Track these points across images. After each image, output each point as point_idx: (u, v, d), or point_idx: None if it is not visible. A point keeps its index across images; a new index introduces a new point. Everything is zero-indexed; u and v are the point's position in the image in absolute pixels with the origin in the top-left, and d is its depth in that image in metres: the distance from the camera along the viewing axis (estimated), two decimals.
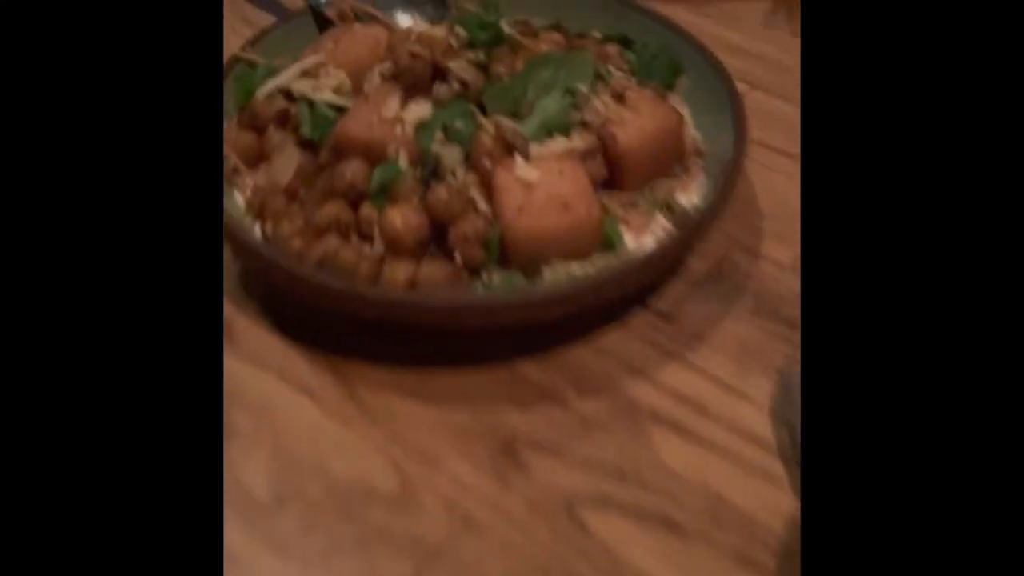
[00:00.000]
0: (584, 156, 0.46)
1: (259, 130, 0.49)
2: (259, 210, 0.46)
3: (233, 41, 0.55)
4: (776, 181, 0.53)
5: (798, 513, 0.39)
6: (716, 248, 0.49)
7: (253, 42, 0.53)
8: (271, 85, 0.50)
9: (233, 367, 0.44)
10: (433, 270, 0.41)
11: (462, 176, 0.44)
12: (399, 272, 0.42)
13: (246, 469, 0.40)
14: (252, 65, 0.52)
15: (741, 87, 0.57)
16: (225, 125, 0.50)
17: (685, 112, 0.51)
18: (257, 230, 0.46)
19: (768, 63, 0.62)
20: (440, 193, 0.43)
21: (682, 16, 0.58)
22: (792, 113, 0.58)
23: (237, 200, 0.47)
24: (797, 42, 0.63)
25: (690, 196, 0.48)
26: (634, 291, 0.45)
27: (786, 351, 0.44)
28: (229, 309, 0.46)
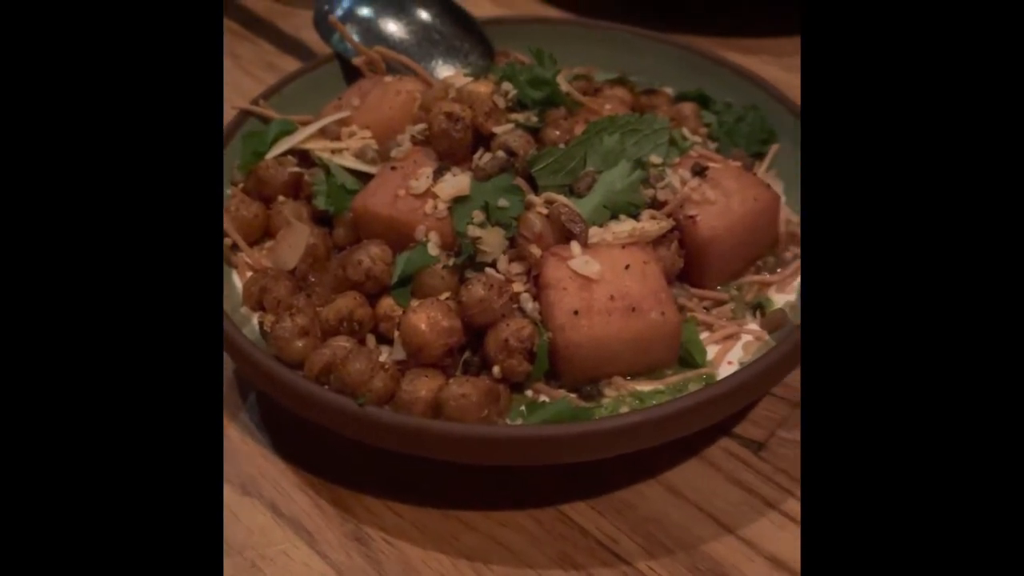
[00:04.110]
0: (656, 244, 0.37)
1: (266, 199, 0.41)
2: (258, 298, 0.38)
3: (253, 90, 0.47)
4: None
5: None
6: None
7: (267, 94, 0.46)
8: (284, 146, 0.42)
9: None
10: (465, 388, 0.32)
11: (505, 267, 0.35)
12: (422, 388, 0.33)
13: None
14: (265, 121, 0.44)
15: None
16: (228, 192, 0.42)
17: (779, 189, 0.42)
18: (255, 322, 0.37)
19: None
20: (477, 290, 0.34)
21: (770, 72, 0.49)
22: None
23: (235, 284, 0.39)
24: None
25: (787, 295, 0.39)
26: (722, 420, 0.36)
27: None
28: None
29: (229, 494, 0.35)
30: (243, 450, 0.37)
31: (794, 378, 0.39)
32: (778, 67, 0.57)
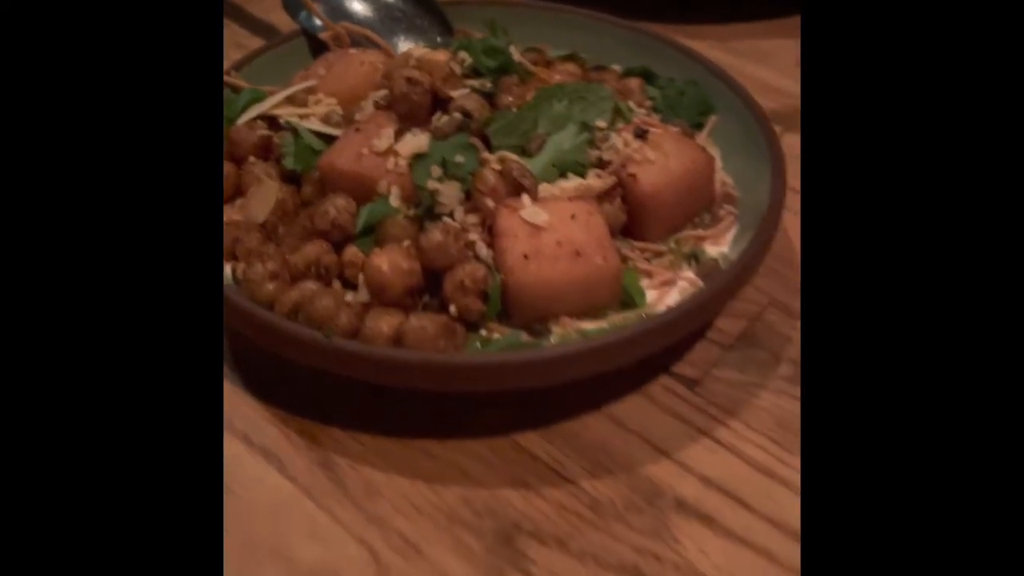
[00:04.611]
0: (601, 199, 0.40)
1: (238, 161, 0.44)
2: (231, 249, 0.40)
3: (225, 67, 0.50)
4: None
5: None
6: (749, 306, 0.43)
7: (239, 66, 0.48)
8: (253, 112, 0.45)
9: None
10: (423, 323, 0.36)
11: (461, 217, 0.38)
12: (383, 323, 0.36)
13: None
14: (236, 91, 0.47)
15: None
16: None
17: (715, 153, 0.46)
18: (228, 271, 0.40)
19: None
20: (435, 235, 0.37)
21: (709, 52, 0.53)
22: None
23: None
24: None
25: (720, 247, 0.42)
26: (655, 355, 0.39)
27: None
28: None
29: None
30: None
31: (727, 324, 0.42)
32: (721, 50, 0.60)
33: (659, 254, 0.42)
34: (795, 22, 0.64)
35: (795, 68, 0.60)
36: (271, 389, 0.39)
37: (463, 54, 0.43)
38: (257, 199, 0.42)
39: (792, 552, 0.34)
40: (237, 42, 0.61)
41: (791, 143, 0.53)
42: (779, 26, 0.64)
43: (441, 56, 0.43)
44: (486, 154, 0.40)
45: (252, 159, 0.44)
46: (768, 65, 0.60)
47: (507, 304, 0.38)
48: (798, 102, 0.57)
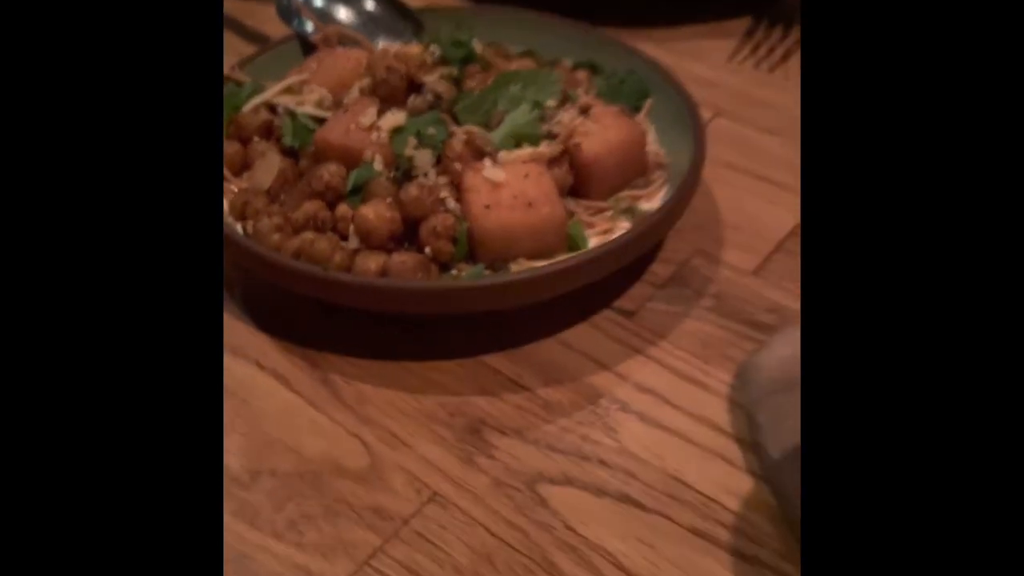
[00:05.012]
0: (550, 164, 0.48)
1: (244, 141, 0.52)
2: (241, 210, 0.48)
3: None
4: (740, 198, 0.56)
5: (754, 493, 0.40)
6: (679, 254, 0.51)
7: (242, 64, 0.56)
8: (257, 100, 0.53)
9: None
10: (404, 257, 0.44)
11: (433, 178, 0.46)
12: (371, 262, 0.44)
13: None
14: (240, 85, 0.55)
15: (707, 114, 0.61)
16: None
17: (650, 130, 0.54)
18: (239, 228, 0.48)
19: (733, 93, 0.65)
20: (412, 191, 0.45)
21: (651, 51, 0.61)
22: (755, 138, 0.61)
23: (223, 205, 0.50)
24: (759, 75, 0.66)
25: (652, 204, 0.51)
26: (599, 290, 0.47)
27: (745, 347, 0.46)
28: None
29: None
30: (232, 325, 0.47)
31: (660, 268, 0.51)
32: (663, 49, 0.68)
33: (600, 210, 0.50)
34: (729, 25, 0.72)
35: (727, 63, 0.69)
36: (278, 324, 0.47)
37: (434, 47, 0.52)
38: (262, 170, 0.49)
39: (706, 436, 0.42)
40: (237, 51, 0.69)
41: (721, 126, 0.62)
42: (714, 29, 0.72)
43: (415, 49, 0.51)
44: (454, 127, 0.48)
45: (256, 139, 0.51)
46: (703, 62, 0.68)
47: (472, 247, 0.46)
48: (728, 92, 0.65)
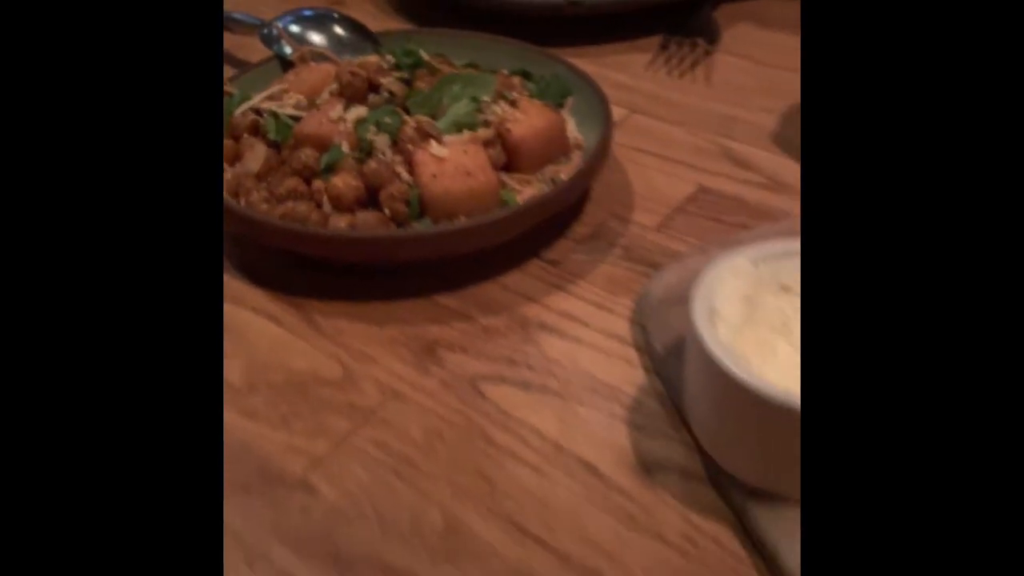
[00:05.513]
0: (486, 144, 0.60)
1: (236, 138, 0.63)
2: (235, 190, 0.59)
3: None
4: (648, 174, 0.67)
5: (647, 382, 0.51)
6: (596, 217, 0.63)
7: (232, 79, 0.68)
8: (246, 106, 0.64)
9: None
10: (367, 218, 0.55)
11: (390, 156, 0.58)
12: (342, 221, 0.55)
13: (225, 369, 0.52)
14: (231, 95, 0.66)
15: (624, 111, 0.73)
16: None
17: (571, 120, 0.66)
18: (235, 203, 0.59)
19: (647, 95, 0.77)
20: (372, 164, 0.56)
21: (580, 64, 0.73)
22: (664, 128, 0.73)
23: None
24: (671, 80, 0.79)
25: (571, 175, 0.62)
26: (525, 240, 0.58)
27: (645, 281, 0.57)
28: None
29: (224, 305, 0.56)
30: (231, 281, 0.58)
31: (580, 228, 0.62)
32: (591, 63, 0.81)
33: (528, 182, 0.61)
34: (646, 41, 0.85)
35: (643, 71, 0.81)
36: (269, 278, 0.58)
37: (389, 56, 0.64)
38: (251, 159, 0.61)
39: (611, 345, 0.53)
40: (228, 71, 0.81)
41: (635, 120, 0.74)
42: (633, 44, 0.85)
43: (373, 59, 0.63)
44: (407, 117, 0.60)
45: (246, 135, 0.63)
46: (624, 72, 0.81)
47: (423, 208, 0.57)
48: (644, 94, 0.77)
